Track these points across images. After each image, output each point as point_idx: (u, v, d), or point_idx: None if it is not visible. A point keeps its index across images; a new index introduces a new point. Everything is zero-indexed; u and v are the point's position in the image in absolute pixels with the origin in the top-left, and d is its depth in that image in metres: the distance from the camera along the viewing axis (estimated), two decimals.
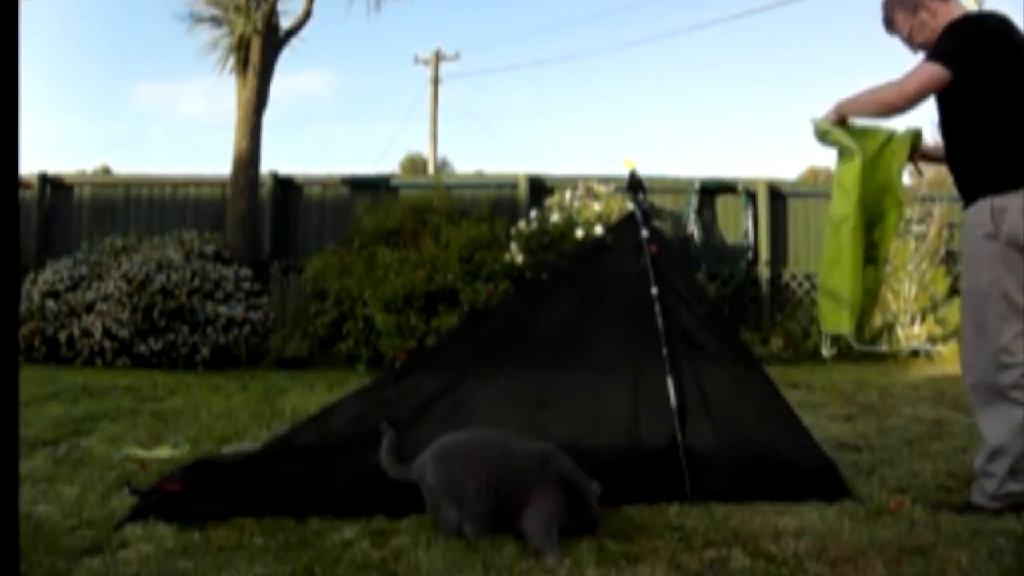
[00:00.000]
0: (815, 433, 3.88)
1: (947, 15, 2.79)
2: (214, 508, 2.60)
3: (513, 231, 7.61)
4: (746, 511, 2.62)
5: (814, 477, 2.87)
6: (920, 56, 2.84)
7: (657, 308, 2.89)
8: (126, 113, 51.88)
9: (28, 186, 8.92)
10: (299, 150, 51.44)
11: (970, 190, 2.75)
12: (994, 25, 2.71)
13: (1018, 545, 2.30)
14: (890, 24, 2.94)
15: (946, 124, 2.82)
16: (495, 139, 60.15)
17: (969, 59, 2.64)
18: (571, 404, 2.96)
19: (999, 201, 2.62)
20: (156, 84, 56.69)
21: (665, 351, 2.89)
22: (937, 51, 2.69)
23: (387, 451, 2.60)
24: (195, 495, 2.67)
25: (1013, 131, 2.64)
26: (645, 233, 2.95)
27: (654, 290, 2.90)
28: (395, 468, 2.56)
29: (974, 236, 2.71)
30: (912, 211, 8.45)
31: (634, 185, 3.08)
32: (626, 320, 2.98)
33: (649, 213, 3.05)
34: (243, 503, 2.63)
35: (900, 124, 3.02)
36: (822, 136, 2.96)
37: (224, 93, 8.46)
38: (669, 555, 2.23)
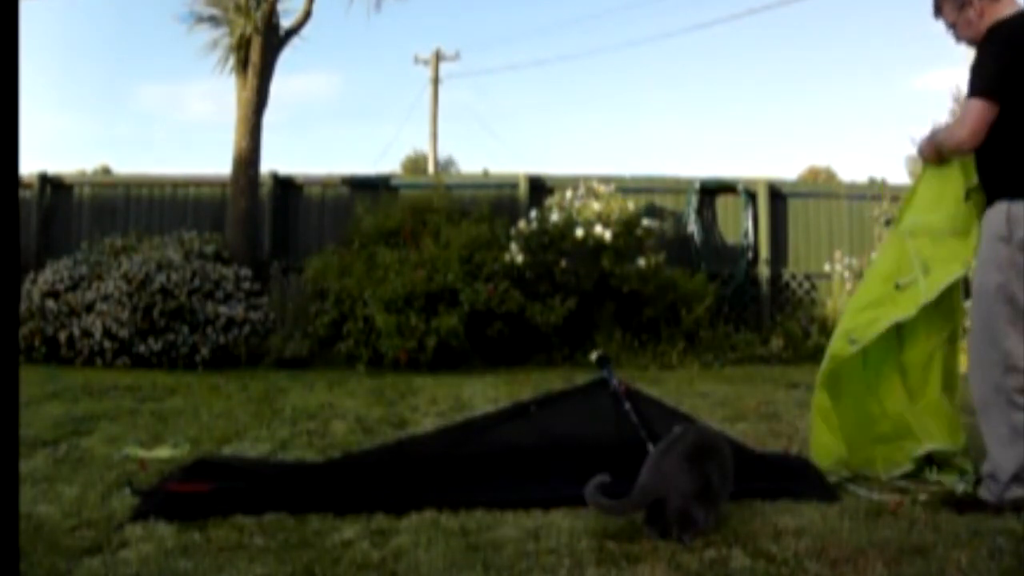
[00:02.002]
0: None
1: (993, 15, 2.76)
2: (223, 507, 2.61)
3: (513, 231, 7.62)
4: (746, 511, 2.62)
5: (808, 481, 2.93)
6: (962, 48, 2.91)
7: (628, 405, 3.15)
8: (130, 114, 51.97)
9: (28, 186, 8.93)
10: (299, 150, 51.53)
11: (989, 193, 2.77)
12: (1016, 36, 2.70)
13: (1018, 545, 2.30)
14: (939, 11, 2.94)
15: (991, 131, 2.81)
16: (495, 139, 60.23)
17: (1002, 80, 2.66)
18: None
19: (1015, 207, 2.63)
20: (160, 85, 56.76)
21: (637, 420, 3.11)
22: (973, 86, 2.70)
23: (601, 494, 2.42)
24: (222, 496, 2.68)
25: None
26: (615, 382, 3.25)
27: (627, 405, 3.16)
28: (618, 505, 2.40)
29: (987, 238, 2.72)
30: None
31: (601, 360, 3.48)
32: (603, 418, 3.21)
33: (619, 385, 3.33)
34: (255, 503, 2.64)
35: None
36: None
37: (228, 94, 8.51)
38: (669, 555, 2.23)
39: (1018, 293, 2.63)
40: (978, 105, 2.69)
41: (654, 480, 2.38)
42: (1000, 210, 2.68)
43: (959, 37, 2.90)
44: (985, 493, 2.68)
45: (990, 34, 2.75)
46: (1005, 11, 2.77)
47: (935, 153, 2.98)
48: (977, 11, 2.79)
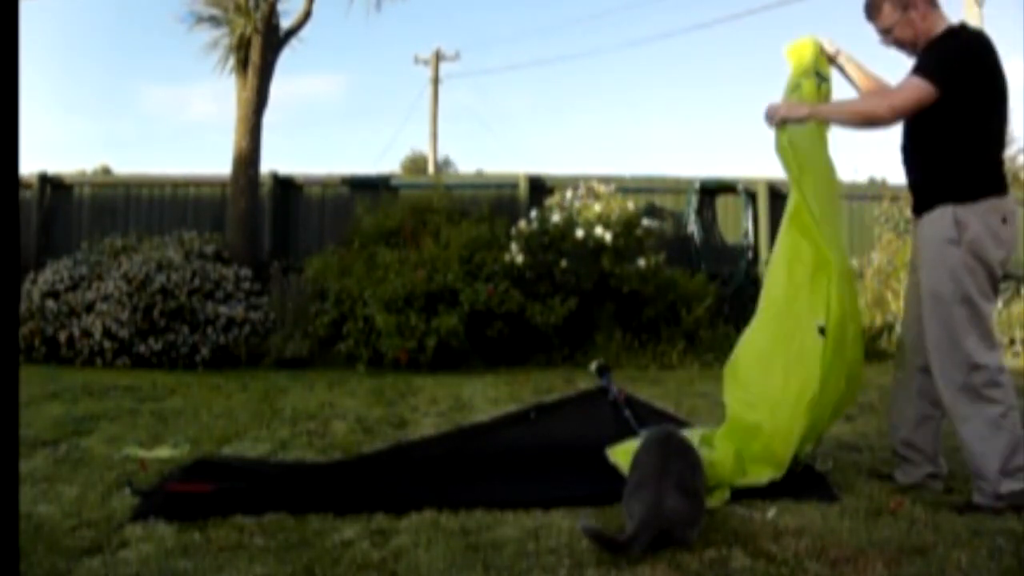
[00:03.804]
0: None
1: (934, 22, 2.88)
2: (223, 507, 2.61)
3: (513, 231, 7.61)
4: (746, 511, 2.63)
5: (808, 481, 2.93)
6: (895, 52, 2.96)
7: (628, 412, 3.21)
8: (135, 115, 51.89)
9: (28, 186, 8.93)
10: (300, 150, 51.47)
11: (929, 197, 2.85)
12: (974, 42, 2.83)
13: (1018, 545, 2.30)
14: (874, 11, 2.99)
15: (914, 129, 2.91)
16: (495, 139, 60.08)
17: (954, 75, 2.74)
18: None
19: (961, 211, 2.73)
20: (165, 86, 56.69)
21: (635, 424, 3.15)
22: (925, 67, 2.78)
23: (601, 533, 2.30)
24: (222, 496, 2.68)
25: (978, 146, 2.77)
26: (615, 389, 3.31)
27: (626, 412, 3.20)
28: (624, 546, 2.25)
29: (935, 242, 2.80)
30: (910, 210, 8.45)
31: (601, 369, 3.51)
32: (602, 424, 3.26)
33: (619, 391, 3.39)
34: (255, 503, 2.65)
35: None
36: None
37: (230, 94, 8.52)
38: (669, 555, 2.23)
39: (973, 294, 2.71)
40: (922, 83, 2.74)
41: (657, 518, 2.27)
42: (946, 214, 2.76)
43: (893, 39, 2.96)
44: (978, 497, 2.70)
45: (937, 40, 2.84)
46: (940, 22, 2.89)
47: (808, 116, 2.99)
48: (921, 14, 2.89)
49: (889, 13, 2.93)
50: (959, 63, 2.76)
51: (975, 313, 2.71)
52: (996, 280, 2.76)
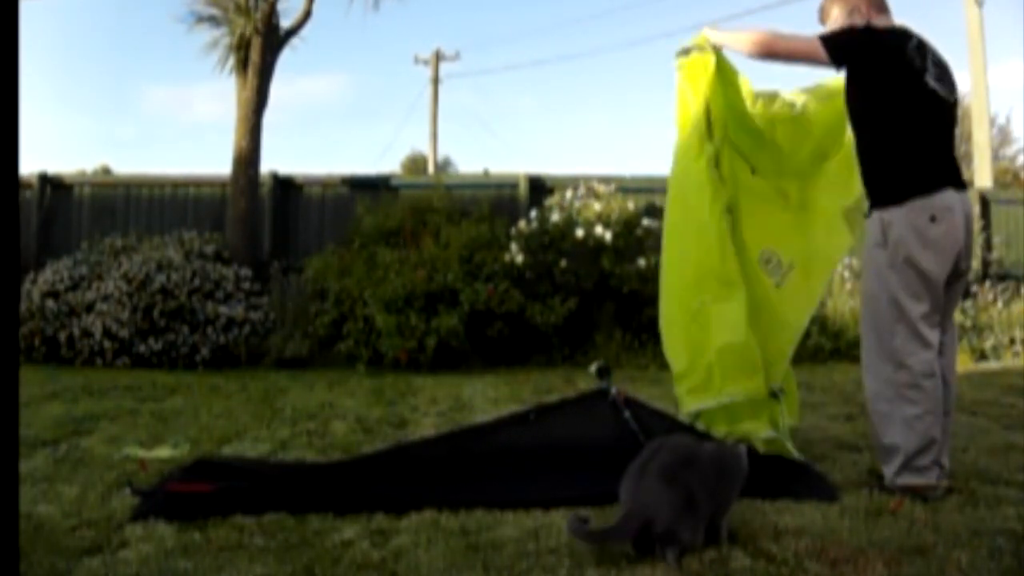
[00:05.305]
0: (815, 433, 3.90)
1: (877, 24, 2.93)
2: (223, 507, 2.61)
3: (513, 231, 7.61)
4: (746, 511, 2.62)
5: (808, 481, 2.94)
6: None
7: (628, 414, 3.21)
8: (138, 115, 51.95)
9: (28, 186, 8.93)
10: (300, 150, 51.51)
11: (870, 203, 2.95)
12: (891, 42, 2.86)
13: (1018, 545, 2.30)
14: (823, 15, 3.11)
15: (856, 143, 3.02)
16: (495, 139, 60.17)
17: (853, 54, 2.83)
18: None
19: (887, 214, 2.82)
20: (166, 86, 56.74)
21: (635, 425, 3.16)
22: (832, 39, 2.87)
23: (583, 526, 2.29)
24: (222, 496, 2.68)
25: (896, 150, 2.84)
26: (615, 390, 3.31)
27: (626, 413, 3.22)
28: (605, 535, 2.26)
29: (868, 246, 2.91)
30: None
31: (601, 371, 3.50)
32: (602, 425, 3.26)
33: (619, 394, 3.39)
34: (255, 503, 2.65)
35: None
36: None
37: (232, 95, 8.50)
38: None
39: (898, 294, 2.79)
40: (819, 47, 2.83)
41: (638, 506, 2.27)
42: (875, 219, 2.88)
43: None
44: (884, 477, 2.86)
45: (855, 29, 2.90)
46: (884, 24, 2.94)
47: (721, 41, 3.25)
48: (864, 16, 2.95)
49: (836, 17, 3.03)
50: (867, 57, 2.83)
51: (902, 314, 2.78)
52: (931, 280, 2.77)
